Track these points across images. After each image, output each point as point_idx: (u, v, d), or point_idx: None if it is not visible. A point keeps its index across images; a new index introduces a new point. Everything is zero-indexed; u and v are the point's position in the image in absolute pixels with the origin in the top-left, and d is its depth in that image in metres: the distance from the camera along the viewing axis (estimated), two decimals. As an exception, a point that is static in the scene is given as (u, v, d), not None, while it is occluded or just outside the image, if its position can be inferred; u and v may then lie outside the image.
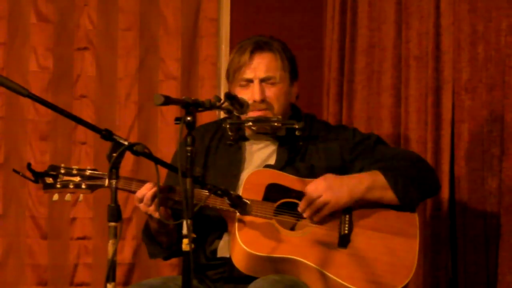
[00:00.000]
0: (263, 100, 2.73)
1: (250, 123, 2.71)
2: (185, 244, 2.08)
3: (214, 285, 2.69)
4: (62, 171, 2.60)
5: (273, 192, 2.63)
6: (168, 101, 2.13)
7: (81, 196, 2.66)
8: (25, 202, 3.66)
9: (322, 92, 4.05)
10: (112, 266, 2.10)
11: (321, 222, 2.60)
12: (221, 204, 2.55)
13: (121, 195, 2.58)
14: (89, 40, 3.77)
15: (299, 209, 2.60)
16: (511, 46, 3.22)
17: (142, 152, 2.21)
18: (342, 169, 2.74)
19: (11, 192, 3.64)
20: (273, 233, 2.57)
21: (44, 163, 3.63)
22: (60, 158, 3.69)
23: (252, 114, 2.70)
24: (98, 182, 2.60)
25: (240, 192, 2.61)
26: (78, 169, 2.61)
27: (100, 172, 2.60)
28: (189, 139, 2.15)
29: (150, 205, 2.54)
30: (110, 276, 2.09)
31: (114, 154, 2.15)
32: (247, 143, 2.82)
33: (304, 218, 2.62)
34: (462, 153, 3.36)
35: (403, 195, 2.64)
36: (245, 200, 2.49)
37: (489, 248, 3.25)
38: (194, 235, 2.10)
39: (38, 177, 2.58)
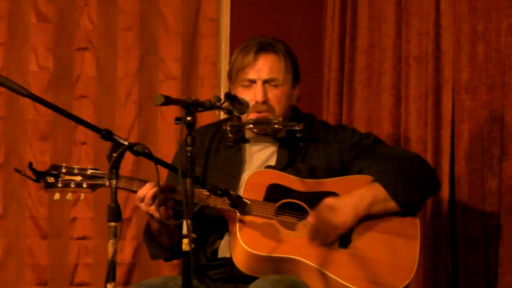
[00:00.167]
0: (265, 102, 2.73)
1: (251, 125, 2.71)
2: (185, 244, 2.08)
3: (214, 285, 2.69)
4: (64, 170, 2.60)
5: (274, 192, 2.63)
6: (168, 101, 2.13)
7: (82, 195, 2.66)
8: (25, 202, 3.66)
9: (322, 92, 4.05)
10: (112, 266, 2.10)
11: (332, 243, 2.60)
12: (222, 204, 2.55)
13: (121, 195, 2.58)
14: (89, 40, 3.77)
15: (310, 239, 2.58)
16: (511, 46, 3.22)
17: (142, 152, 2.20)
18: (342, 170, 2.75)
19: (11, 192, 3.64)
20: (274, 233, 2.57)
21: (44, 163, 3.63)
22: (60, 158, 3.68)
23: (253, 115, 2.70)
24: (99, 182, 2.60)
25: (241, 192, 2.61)
26: (80, 169, 2.61)
27: (101, 172, 2.60)
28: (189, 139, 2.15)
29: (151, 205, 2.54)
30: (110, 276, 2.09)
31: (114, 154, 2.15)
32: (247, 145, 2.81)
33: (305, 218, 2.62)
34: (462, 153, 3.36)
35: (405, 203, 2.65)
36: (245, 200, 2.49)
37: (489, 248, 3.25)
38: (194, 235, 2.09)
39: (39, 176, 2.58)
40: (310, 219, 2.59)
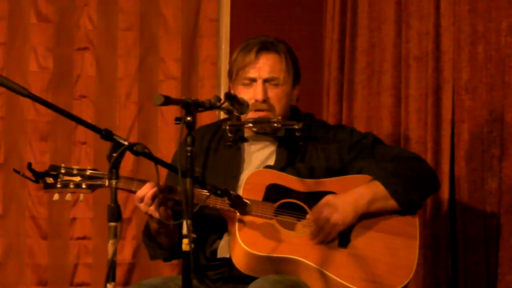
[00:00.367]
0: (265, 100, 2.73)
1: (250, 124, 2.71)
2: (185, 244, 2.08)
3: (214, 285, 2.69)
4: (63, 171, 2.60)
5: (273, 192, 2.63)
6: (168, 101, 2.13)
7: (82, 196, 2.66)
8: (25, 202, 3.66)
9: (322, 92, 4.05)
10: (112, 266, 2.10)
11: (332, 240, 2.60)
12: (221, 204, 2.55)
13: (121, 195, 2.58)
14: (89, 40, 3.77)
15: (311, 237, 2.58)
16: (511, 46, 3.22)
17: (142, 152, 2.20)
18: (342, 170, 2.75)
19: (11, 192, 3.64)
20: (274, 233, 2.57)
21: (44, 163, 3.63)
22: (60, 158, 3.69)
23: (252, 114, 2.70)
24: (99, 182, 2.60)
25: (240, 192, 2.60)
26: (79, 169, 2.61)
27: (101, 172, 2.60)
28: (189, 139, 2.15)
29: (150, 205, 2.53)
30: (110, 276, 2.09)
31: (114, 154, 2.15)
32: (246, 144, 2.81)
33: (304, 218, 2.62)
34: (462, 153, 3.36)
35: (405, 202, 2.65)
36: (245, 200, 2.49)
37: (489, 248, 3.25)
38: (194, 235, 2.09)
39: (38, 177, 2.58)
40: (310, 216, 2.59)
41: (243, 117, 2.69)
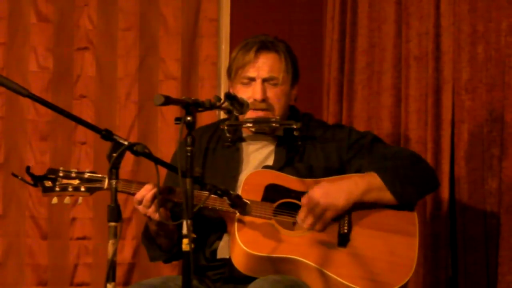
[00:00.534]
0: (264, 100, 2.73)
1: (248, 124, 2.71)
2: (185, 244, 2.08)
3: (214, 286, 2.69)
4: (61, 174, 2.60)
5: (272, 192, 2.63)
6: (168, 101, 2.13)
7: (80, 199, 2.65)
8: (25, 202, 3.66)
9: (322, 92, 4.05)
10: (112, 266, 2.10)
11: (324, 228, 2.60)
12: (221, 204, 2.54)
13: (121, 195, 2.57)
14: (89, 40, 3.77)
15: (299, 220, 2.59)
16: (511, 46, 3.22)
17: (142, 152, 2.20)
18: (341, 169, 2.74)
19: (11, 192, 3.64)
20: (273, 233, 2.57)
21: (44, 163, 3.64)
22: (60, 158, 3.69)
23: (251, 114, 2.70)
24: (97, 185, 2.60)
25: (239, 193, 2.60)
26: (77, 172, 2.61)
27: (99, 175, 2.60)
28: (189, 139, 2.15)
29: (149, 207, 2.53)
30: (110, 276, 2.09)
31: (114, 154, 2.15)
32: (244, 144, 2.81)
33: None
34: (462, 153, 3.36)
35: (401, 195, 2.64)
36: (245, 200, 2.49)
37: (489, 248, 3.25)
38: (194, 235, 2.09)
39: (37, 180, 2.58)
40: (302, 201, 2.58)
41: (241, 117, 2.69)
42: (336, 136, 2.80)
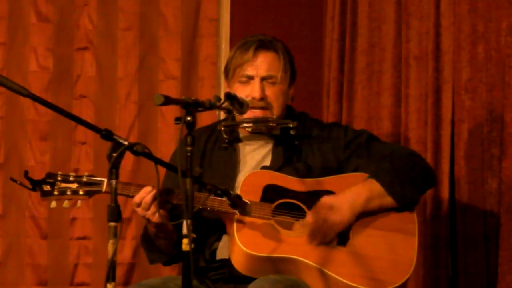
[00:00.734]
0: (262, 98, 2.72)
1: (245, 124, 2.71)
2: (185, 244, 2.08)
3: (214, 286, 2.69)
4: (59, 178, 2.59)
5: (270, 193, 2.63)
6: (168, 101, 2.13)
7: (79, 202, 2.65)
8: (25, 202, 3.66)
9: (322, 92, 4.05)
10: (112, 266, 2.10)
11: (331, 241, 2.60)
12: (220, 205, 2.54)
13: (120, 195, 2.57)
14: (89, 40, 3.77)
15: (309, 238, 2.58)
16: (511, 46, 3.22)
17: (142, 152, 2.20)
18: (338, 169, 2.74)
19: (11, 192, 3.64)
20: (272, 233, 2.57)
21: (44, 163, 3.64)
22: (60, 158, 3.69)
23: (249, 113, 2.68)
24: (96, 188, 2.59)
25: (237, 194, 2.61)
26: (75, 176, 2.60)
27: (98, 178, 2.59)
28: (189, 139, 2.15)
29: (148, 209, 2.53)
30: (110, 276, 2.09)
31: (114, 154, 2.15)
32: (241, 145, 2.81)
33: (303, 218, 2.62)
34: (462, 153, 3.36)
35: (402, 198, 2.64)
36: (245, 200, 2.49)
37: (489, 248, 3.25)
38: (194, 235, 2.09)
39: (35, 184, 2.57)
40: (309, 219, 2.59)
41: (238, 117, 2.69)
42: (332, 135, 2.80)
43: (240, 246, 2.52)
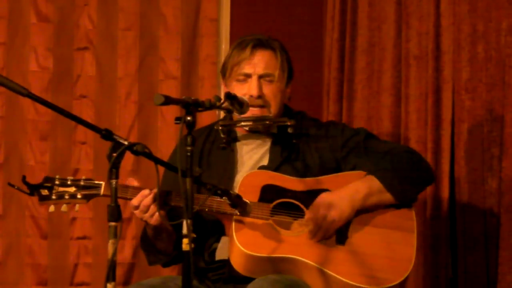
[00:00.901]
0: (260, 96, 2.72)
1: (242, 123, 2.71)
2: (185, 244, 2.08)
3: (214, 286, 2.69)
4: (57, 182, 2.59)
5: (268, 193, 2.63)
6: (168, 101, 2.13)
7: (77, 206, 2.64)
8: (25, 202, 3.65)
9: (322, 92, 4.05)
10: (112, 266, 2.10)
11: (330, 237, 2.60)
12: (219, 206, 2.54)
13: (121, 195, 2.57)
14: (89, 40, 3.77)
15: (310, 236, 2.58)
16: (511, 46, 3.22)
17: (142, 152, 2.20)
18: (336, 168, 2.74)
19: (11, 192, 3.63)
20: (271, 234, 2.57)
21: (44, 163, 3.64)
22: (60, 158, 3.69)
23: (248, 112, 2.67)
24: (93, 192, 2.59)
25: (236, 195, 2.60)
26: (73, 180, 2.59)
27: (95, 182, 2.59)
28: (189, 139, 2.15)
29: (145, 212, 2.53)
30: (110, 276, 2.09)
31: (114, 154, 2.15)
32: (239, 144, 2.80)
33: (302, 218, 2.62)
34: (462, 152, 3.36)
35: (401, 194, 2.64)
36: (245, 200, 2.49)
37: (489, 248, 3.25)
38: (194, 235, 2.09)
39: (33, 189, 2.57)
40: (308, 217, 2.59)
41: (235, 116, 2.69)
42: (330, 133, 2.80)
43: (239, 246, 2.52)
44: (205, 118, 3.59)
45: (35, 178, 3.57)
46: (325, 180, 2.69)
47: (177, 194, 2.53)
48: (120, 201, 2.15)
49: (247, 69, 2.73)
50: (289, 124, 2.69)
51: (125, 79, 3.80)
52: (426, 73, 3.52)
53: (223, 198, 2.46)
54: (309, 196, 2.63)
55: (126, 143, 2.17)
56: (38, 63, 3.70)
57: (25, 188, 2.56)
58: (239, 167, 2.76)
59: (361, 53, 3.84)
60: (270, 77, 2.75)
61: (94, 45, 3.77)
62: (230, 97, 2.38)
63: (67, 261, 3.70)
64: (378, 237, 2.62)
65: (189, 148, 2.14)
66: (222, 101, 2.34)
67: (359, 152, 2.75)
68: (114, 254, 2.09)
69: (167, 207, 2.58)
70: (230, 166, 2.75)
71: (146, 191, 2.53)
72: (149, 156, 2.25)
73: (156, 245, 2.70)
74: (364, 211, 2.64)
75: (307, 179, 2.68)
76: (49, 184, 2.59)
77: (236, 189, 2.63)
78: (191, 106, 2.18)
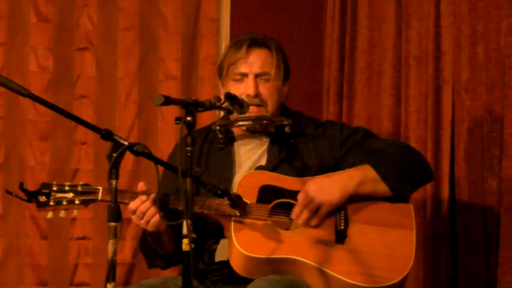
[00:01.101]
0: (256, 95, 2.72)
1: (239, 123, 2.70)
2: (185, 244, 2.08)
3: (213, 287, 2.69)
4: (55, 188, 2.57)
5: (266, 193, 2.62)
6: (168, 101, 2.13)
7: (75, 211, 2.63)
8: (25, 203, 3.63)
9: (322, 92, 4.05)
10: (112, 266, 2.10)
11: (319, 224, 2.60)
12: (218, 207, 2.54)
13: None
14: (89, 40, 3.77)
15: (293, 216, 2.58)
16: (511, 46, 3.22)
17: (142, 152, 2.20)
18: (335, 167, 2.73)
19: (11, 192, 3.64)
20: (270, 234, 2.56)
21: (44, 163, 3.64)
22: (60, 158, 3.69)
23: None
24: (91, 197, 2.57)
25: (234, 195, 2.60)
26: (70, 185, 2.58)
27: (93, 187, 2.58)
28: (189, 139, 2.15)
29: (142, 218, 2.52)
30: (110, 276, 2.09)
31: (114, 154, 2.15)
32: (236, 145, 2.80)
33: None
34: (462, 153, 3.37)
35: (396, 186, 2.62)
36: (245, 200, 2.48)
37: (489, 248, 3.25)
38: (194, 235, 2.09)
39: (31, 196, 2.55)
40: (298, 196, 2.58)
41: (231, 117, 2.68)
42: (328, 132, 2.79)
43: (238, 248, 2.51)
44: (205, 118, 3.59)
45: (35, 179, 3.59)
46: None
47: (175, 196, 2.53)
48: (120, 203, 2.15)
49: (243, 68, 2.73)
50: (286, 123, 2.69)
51: (125, 79, 3.81)
52: (426, 73, 3.52)
53: (223, 198, 2.46)
54: None
55: (126, 143, 2.17)
56: (38, 63, 3.70)
57: (22, 195, 2.54)
58: (237, 168, 2.76)
59: (361, 53, 3.84)
60: (266, 76, 2.74)
61: (94, 45, 3.77)
62: (230, 97, 2.38)
63: (67, 261, 3.70)
64: (377, 235, 2.61)
65: (189, 148, 2.14)
66: (222, 101, 2.34)
67: (357, 151, 2.74)
68: (114, 254, 2.09)
69: (166, 210, 2.57)
70: (228, 167, 2.75)
71: (143, 197, 2.50)
72: (149, 156, 2.25)
73: (154, 248, 2.69)
74: (363, 209, 2.63)
75: (305, 178, 2.67)
76: (46, 191, 2.57)
77: (234, 190, 2.62)
78: (191, 106, 2.18)
